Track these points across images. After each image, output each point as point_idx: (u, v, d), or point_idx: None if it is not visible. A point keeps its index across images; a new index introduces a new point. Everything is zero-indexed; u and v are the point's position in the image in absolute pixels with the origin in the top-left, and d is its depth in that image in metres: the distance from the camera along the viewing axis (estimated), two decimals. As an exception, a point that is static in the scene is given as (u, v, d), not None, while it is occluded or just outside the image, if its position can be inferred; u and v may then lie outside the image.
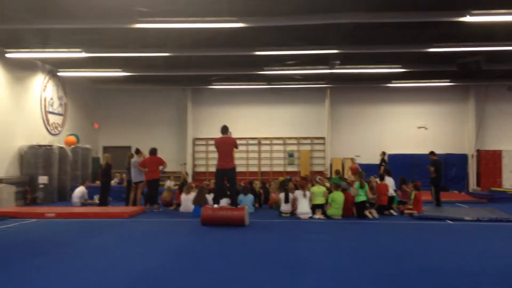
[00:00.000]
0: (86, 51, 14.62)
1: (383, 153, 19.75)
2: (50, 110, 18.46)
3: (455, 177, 21.80)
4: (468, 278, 6.07)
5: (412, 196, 12.93)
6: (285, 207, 12.73)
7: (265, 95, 22.71)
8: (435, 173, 14.32)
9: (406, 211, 12.83)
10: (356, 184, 12.50)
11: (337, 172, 16.40)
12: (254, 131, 22.87)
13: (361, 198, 12.34)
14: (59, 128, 19.20)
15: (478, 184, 21.60)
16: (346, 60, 16.79)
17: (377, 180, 13.62)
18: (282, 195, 12.99)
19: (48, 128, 18.25)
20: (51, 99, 18.60)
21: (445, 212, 12.71)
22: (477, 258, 7.38)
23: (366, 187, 12.66)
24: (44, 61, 17.66)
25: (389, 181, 13.62)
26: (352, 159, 19.00)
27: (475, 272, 6.41)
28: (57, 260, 7.17)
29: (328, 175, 19.35)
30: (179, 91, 22.96)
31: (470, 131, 22.00)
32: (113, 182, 16.85)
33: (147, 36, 14.37)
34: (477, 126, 21.79)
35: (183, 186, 15.07)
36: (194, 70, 18.86)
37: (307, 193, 12.46)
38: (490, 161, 21.67)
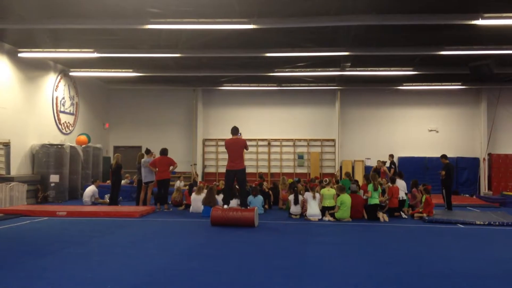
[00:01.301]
0: (98, 51, 14.72)
1: (391, 156, 19.63)
2: (62, 109, 18.59)
3: (467, 181, 21.68)
4: (478, 283, 6.03)
5: (423, 200, 12.88)
6: (294, 209, 12.73)
7: (275, 96, 22.72)
8: (446, 177, 14.23)
9: (416, 214, 12.78)
10: (370, 186, 12.48)
11: (347, 174, 16.35)
12: (264, 132, 22.88)
13: (375, 201, 12.33)
14: (71, 128, 19.33)
15: (489, 188, 21.44)
16: (356, 62, 16.76)
17: (389, 184, 13.59)
18: (291, 197, 12.99)
19: (60, 127, 18.38)
20: (63, 98, 18.74)
21: (456, 216, 12.63)
22: (488, 262, 7.32)
23: (380, 190, 12.65)
24: (56, 61, 17.80)
25: (401, 183, 13.57)
26: (383, 162, 18.73)
27: (485, 277, 6.36)
28: (67, 259, 7.22)
29: (338, 177, 19.29)
30: (190, 92, 23.03)
31: (482, 135, 21.84)
32: (124, 182, 16.93)
33: (158, 37, 14.45)
34: (489, 129, 21.64)
35: (192, 187, 15.14)
36: (204, 71, 18.91)
37: (317, 195, 12.47)
38: (502, 165, 21.50)
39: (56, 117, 18.12)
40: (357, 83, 21.18)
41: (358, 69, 17.49)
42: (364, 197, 12.72)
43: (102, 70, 18.41)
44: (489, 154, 21.71)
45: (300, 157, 22.90)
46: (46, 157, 16.26)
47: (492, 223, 11.51)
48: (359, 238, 9.75)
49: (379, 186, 12.67)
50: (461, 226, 11.40)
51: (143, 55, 15.55)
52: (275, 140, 23.01)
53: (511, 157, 21.52)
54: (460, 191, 21.15)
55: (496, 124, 21.68)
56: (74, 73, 18.83)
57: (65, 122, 18.86)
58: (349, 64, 16.74)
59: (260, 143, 22.91)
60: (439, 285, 5.90)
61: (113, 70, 18.35)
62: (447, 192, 14.34)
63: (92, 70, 18.51)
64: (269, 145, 23.00)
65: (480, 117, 22.01)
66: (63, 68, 18.47)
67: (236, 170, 11.21)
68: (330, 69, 17.71)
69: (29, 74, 16.43)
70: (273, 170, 22.90)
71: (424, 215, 12.45)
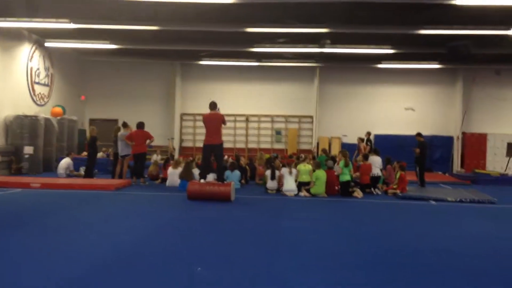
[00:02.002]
0: (74, 22, 14.39)
1: (368, 133, 19.84)
2: (37, 80, 18.25)
3: (440, 159, 22.06)
4: (449, 257, 6.19)
5: (397, 176, 13.10)
6: (271, 184, 12.83)
7: (254, 72, 22.62)
8: (420, 154, 14.46)
9: (390, 191, 13.00)
10: (341, 163, 12.61)
11: (324, 150, 16.47)
12: (243, 108, 22.83)
13: (346, 177, 12.47)
14: (45, 99, 19.02)
15: (462, 166, 21.87)
16: (336, 39, 16.76)
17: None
18: (268, 172, 13.07)
19: (34, 98, 18.06)
20: (38, 69, 18.38)
21: (428, 193, 12.88)
22: (458, 238, 7.51)
23: (351, 166, 12.81)
24: (31, 31, 17.38)
25: (376, 160, 13.73)
26: (361, 139, 18.94)
27: (456, 252, 6.54)
28: (41, 231, 7.18)
29: (315, 154, 19.46)
30: (168, 66, 22.79)
31: (457, 114, 22.17)
32: (100, 155, 16.81)
33: (137, 9, 14.17)
34: (464, 109, 21.96)
35: (169, 160, 15.11)
36: (183, 45, 18.68)
37: (293, 170, 12.57)
38: (475, 143, 21.90)
39: (31, 88, 17.78)
40: (336, 61, 21.18)
41: (337, 46, 17.48)
42: (336, 174, 12.84)
43: (78, 41, 18.04)
44: (463, 133, 22.08)
45: (278, 133, 22.97)
46: (20, 128, 16.03)
47: (463, 200, 11.78)
48: (334, 213, 9.90)
49: (350, 163, 12.82)
50: (433, 202, 11.63)
51: (121, 27, 15.23)
52: (253, 115, 23.00)
53: (484, 136, 21.93)
54: (434, 168, 21.52)
55: (471, 104, 21.99)
56: (50, 44, 18.41)
57: (40, 93, 18.53)
58: (329, 42, 16.73)
59: (238, 118, 22.88)
60: (412, 260, 6.03)
61: (89, 41, 18.00)
62: (421, 169, 14.61)
63: (68, 41, 18.13)
64: (247, 120, 23.00)
65: (456, 97, 22.31)
66: (38, 38, 18.06)
67: (213, 145, 11.20)
68: (310, 45, 17.67)
69: (3, 44, 16.05)
70: (250, 146, 22.95)
71: (398, 191, 12.68)
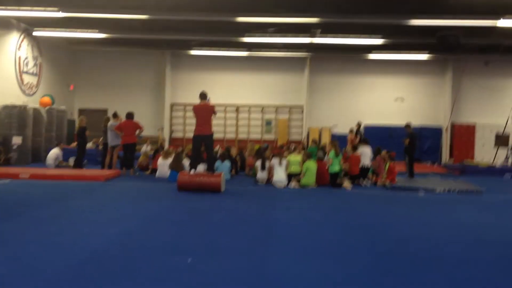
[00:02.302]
0: (63, 11, 14.22)
1: (359, 124, 19.94)
2: (25, 70, 18.06)
3: (429, 149, 22.18)
4: (438, 246, 6.26)
5: (387, 167, 13.16)
6: (261, 175, 12.85)
7: (245, 62, 22.56)
8: (409, 145, 14.52)
9: (380, 182, 13.06)
10: (331, 153, 12.62)
11: (314, 141, 16.52)
12: (233, 98, 22.78)
13: (336, 168, 12.50)
14: (34, 89, 18.84)
15: (451, 157, 22.03)
16: (327, 29, 16.71)
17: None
18: (258, 163, 13.09)
19: (23, 88, 17.89)
20: (26, 58, 18.18)
21: (417, 183, 12.98)
22: (446, 227, 7.58)
23: (341, 156, 12.84)
24: (19, 19, 17.14)
25: (366, 151, 13.74)
26: (351, 130, 19.07)
27: (444, 240, 6.62)
28: (31, 222, 7.13)
29: (305, 144, 19.49)
30: (158, 55, 22.66)
31: (446, 104, 22.30)
32: (90, 145, 16.74)
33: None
34: (453, 99, 22.06)
35: (158, 151, 15.07)
36: (173, 34, 18.56)
37: (283, 161, 12.58)
38: (464, 134, 22.06)
39: (19, 77, 17.60)
40: (326, 51, 21.15)
41: (328, 36, 17.45)
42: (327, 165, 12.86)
43: (67, 30, 17.82)
44: (452, 124, 22.21)
45: (268, 123, 22.97)
46: (8, 118, 15.87)
47: (451, 190, 11.88)
48: (324, 204, 9.94)
49: (340, 153, 12.84)
50: (422, 193, 11.71)
51: (110, 15, 15.08)
52: (244, 106, 22.96)
53: (473, 127, 22.09)
54: (423, 159, 21.66)
55: (460, 95, 22.10)
56: (38, 33, 18.20)
57: (28, 83, 18.35)
58: (320, 31, 16.70)
59: (229, 108, 22.83)
60: (402, 249, 6.10)
61: (78, 30, 17.80)
62: (410, 160, 14.67)
63: (57, 29, 17.92)
64: (237, 111, 22.96)
65: (445, 87, 22.43)
66: (27, 27, 17.84)
67: (203, 136, 11.18)
68: (301, 35, 17.63)
69: (-10, 32, 15.87)
70: (241, 136, 22.94)
71: (387, 182, 12.75)
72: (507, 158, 18.74)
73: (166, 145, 18.22)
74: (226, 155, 14.00)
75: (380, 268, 5.22)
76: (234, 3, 14.21)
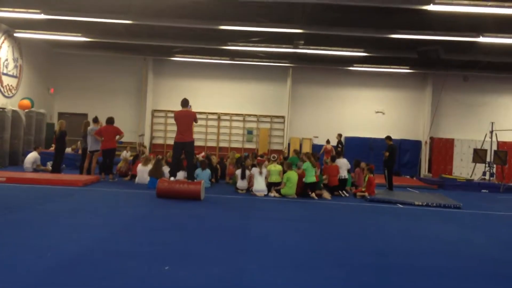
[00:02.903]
0: (45, 13, 14.12)
1: (339, 135, 20.08)
2: (5, 71, 17.82)
3: (408, 163, 22.43)
4: (415, 259, 6.29)
5: (366, 179, 13.24)
6: (241, 183, 12.83)
7: (227, 70, 22.60)
8: (389, 157, 14.64)
9: (359, 193, 13.13)
10: (305, 164, 12.60)
11: (295, 151, 16.56)
12: (215, 106, 22.79)
13: (311, 179, 12.49)
14: (13, 91, 18.59)
15: (429, 171, 22.28)
16: (310, 41, 16.87)
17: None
18: (239, 172, 13.07)
19: (2, 90, 17.64)
20: (6, 60, 17.95)
21: (396, 196, 13.08)
22: (424, 241, 7.64)
23: (315, 168, 12.81)
24: (1, 20, 16.95)
25: (343, 162, 13.80)
26: (327, 141, 19.22)
27: (421, 253, 6.66)
28: (6, 226, 6.99)
29: (286, 155, 19.54)
30: (140, 61, 22.58)
31: (426, 118, 22.59)
32: (70, 150, 16.56)
33: (110, 1, 13.99)
34: (432, 113, 22.37)
35: (138, 157, 14.97)
36: (156, 40, 18.55)
37: (264, 170, 12.59)
38: (442, 148, 22.36)
39: (-2, 79, 17.39)
40: (309, 62, 21.33)
41: (311, 47, 17.59)
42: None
43: (49, 32, 17.69)
44: (431, 138, 22.49)
45: (250, 132, 23.00)
46: (-14, 120, 15.64)
47: (429, 204, 11.98)
48: (303, 215, 9.94)
49: (315, 164, 12.87)
50: (401, 206, 11.81)
51: (93, 19, 15.00)
52: (225, 114, 22.96)
53: (451, 141, 22.40)
54: (402, 172, 21.89)
55: (439, 109, 22.40)
56: (19, 34, 18.01)
57: (8, 84, 18.10)
58: (302, 42, 16.83)
59: (210, 116, 22.82)
60: (378, 261, 6.12)
61: (60, 33, 17.66)
62: (389, 172, 14.79)
63: (38, 32, 17.76)
64: (219, 119, 22.95)
65: (425, 101, 22.73)
66: (8, 28, 17.65)
67: (184, 143, 11.14)
68: (284, 46, 17.74)
69: (-31, 32, 15.64)
70: (221, 145, 22.91)
71: (366, 194, 12.83)
72: (484, 173, 19.00)
73: (147, 152, 18.08)
74: (206, 163, 13.95)
75: (356, 281, 5.23)
76: (218, 11, 14.28)
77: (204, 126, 22.57)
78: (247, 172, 12.89)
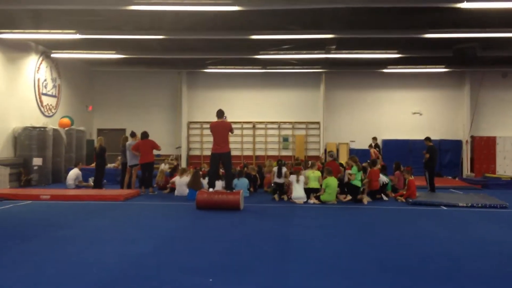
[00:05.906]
0: (81, 33, 14.45)
1: (374, 139, 19.79)
2: (44, 91, 18.34)
3: (449, 163, 21.94)
4: (462, 263, 6.14)
5: (406, 182, 13.00)
6: (277, 180, 12.96)
7: (260, 79, 22.66)
8: (429, 159, 14.34)
9: (399, 197, 12.90)
10: (354, 169, 12.50)
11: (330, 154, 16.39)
12: (249, 115, 22.85)
13: (359, 182, 12.40)
14: (53, 110, 19.10)
15: (472, 170, 21.73)
16: (341, 45, 16.72)
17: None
18: (275, 169, 13.16)
19: (42, 109, 18.14)
20: (45, 80, 18.47)
21: (439, 198, 12.76)
22: (471, 243, 7.44)
23: (361, 172, 12.73)
24: (38, 42, 17.48)
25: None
26: (370, 145, 19.04)
27: (469, 257, 6.49)
28: (52, 243, 7.16)
29: (323, 160, 19.39)
30: (174, 74, 22.87)
31: (465, 117, 22.06)
32: (112, 165, 16.89)
33: (142, 18, 14.25)
34: (472, 112, 21.86)
35: (174, 170, 15.13)
36: (189, 53, 18.76)
37: (301, 177, 12.50)
38: (484, 147, 21.78)
39: (38, 99, 17.87)
40: (342, 66, 21.16)
41: (343, 52, 17.44)
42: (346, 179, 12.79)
43: (85, 51, 18.12)
44: (472, 137, 21.95)
45: (285, 139, 22.94)
46: (29, 140, 16.06)
47: (474, 205, 11.65)
48: (344, 221, 9.81)
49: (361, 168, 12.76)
50: (444, 208, 11.54)
51: (127, 36, 15.26)
52: (260, 122, 22.99)
53: (494, 139, 21.79)
54: (443, 173, 21.40)
55: (479, 107, 21.88)
56: (56, 55, 18.51)
57: (48, 104, 18.61)
58: (334, 47, 16.70)
59: (245, 125, 22.88)
60: (424, 265, 5.98)
61: (96, 51, 18.07)
62: (430, 174, 14.47)
63: (74, 51, 18.22)
64: (254, 127, 22.99)
65: (463, 100, 22.20)
66: (45, 49, 18.16)
67: (221, 153, 11.19)
68: (315, 51, 17.65)
69: (10, 56, 16.15)
70: (258, 153, 22.92)
71: (408, 197, 12.57)
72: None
73: (184, 164, 18.22)
74: (243, 172, 13.98)
75: (400, 285, 5.12)
76: (248, 21, 14.32)
77: (240, 135, 22.63)
78: (283, 169, 13.07)
